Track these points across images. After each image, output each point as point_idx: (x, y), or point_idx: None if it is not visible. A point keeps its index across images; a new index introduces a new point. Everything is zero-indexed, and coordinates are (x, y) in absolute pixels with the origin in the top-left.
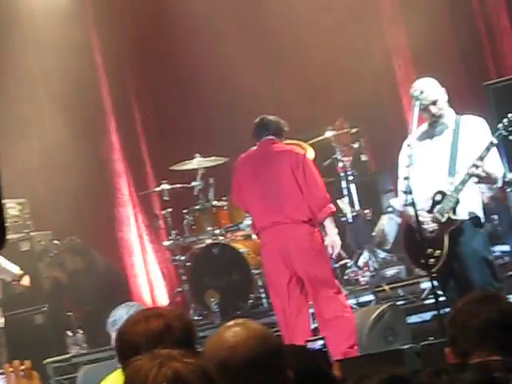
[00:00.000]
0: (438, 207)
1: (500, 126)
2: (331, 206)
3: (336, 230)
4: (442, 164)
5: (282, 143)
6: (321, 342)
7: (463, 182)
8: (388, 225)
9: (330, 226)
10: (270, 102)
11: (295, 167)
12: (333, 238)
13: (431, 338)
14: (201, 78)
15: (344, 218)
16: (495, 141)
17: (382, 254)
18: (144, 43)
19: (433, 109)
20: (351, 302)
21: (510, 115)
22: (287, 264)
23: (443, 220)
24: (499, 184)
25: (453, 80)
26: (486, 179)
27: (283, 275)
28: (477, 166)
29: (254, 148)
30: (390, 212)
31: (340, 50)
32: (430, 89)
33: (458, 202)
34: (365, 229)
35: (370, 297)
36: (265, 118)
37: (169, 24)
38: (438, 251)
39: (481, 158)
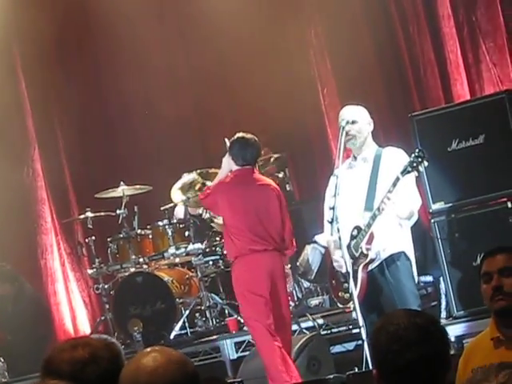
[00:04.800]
0: (353, 242)
1: (407, 162)
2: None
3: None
4: (360, 198)
5: (260, 174)
6: None
7: (374, 217)
8: (312, 255)
9: (286, 260)
10: (195, 130)
11: (279, 201)
12: (288, 271)
13: (356, 368)
14: (127, 106)
15: None
16: (401, 176)
17: (305, 284)
18: (69, 70)
19: (351, 129)
20: None
21: (416, 151)
22: (271, 291)
23: (357, 255)
24: (415, 217)
25: (377, 111)
26: (399, 213)
27: (267, 302)
28: (384, 202)
29: (232, 176)
30: (314, 242)
31: (266, 79)
32: (356, 117)
33: (372, 236)
34: (289, 258)
35: (294, 326)
36: (260, 148)
37: (94, 51)
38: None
39: (389, 192)
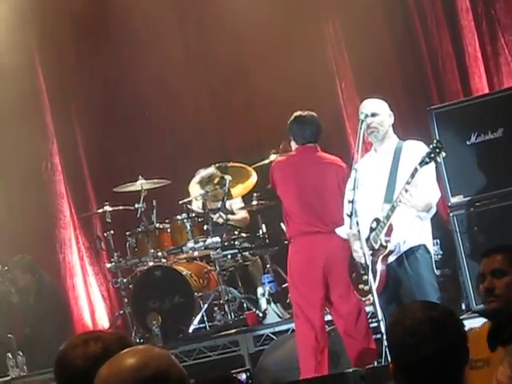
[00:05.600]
0: (372, 234)
1: (425, 153)
2: None
3: None
4: (380, 191)
5: (324, 153)
6: (245, 375)
7: (392, 209)
8: None
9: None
10: (213, 124)
11: (341, 180)
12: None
13: (374, 362)
14: (145, 100)
15: (287, 242)
16: (419, 167)
17: None
18: (87, 65)
19: (373, 121)
20: (293, 325)
21: (434, 141)
22: (324, 277)
23: (376, 247)
24: (433, 210)
25: (395, 105)
26: (416, 205)
27: (319, 288)
28: (402, 193)
29: (291, 154)
30: None
31: (283, 74)
32: (377, 110)
33: (391, 228)
34: None
35: None
36: (319, 123)
37: (112, 45)
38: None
39: (407, 184)
